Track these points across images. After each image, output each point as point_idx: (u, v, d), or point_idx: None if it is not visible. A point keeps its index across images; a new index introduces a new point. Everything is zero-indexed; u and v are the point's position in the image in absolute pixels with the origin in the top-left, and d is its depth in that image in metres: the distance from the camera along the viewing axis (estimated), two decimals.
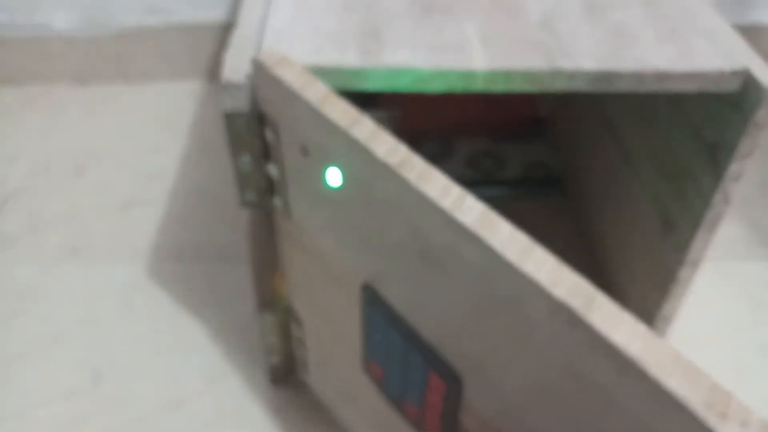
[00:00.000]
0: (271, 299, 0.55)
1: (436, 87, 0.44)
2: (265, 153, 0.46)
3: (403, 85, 0.44)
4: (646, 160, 0.60)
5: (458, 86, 0.44)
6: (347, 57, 0.44)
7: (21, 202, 0.81)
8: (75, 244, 0.76)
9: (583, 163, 0.76)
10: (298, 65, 0.40)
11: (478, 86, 0.44)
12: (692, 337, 0.68)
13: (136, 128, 0.94)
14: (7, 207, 0.81)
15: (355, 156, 0.35)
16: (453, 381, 0.36)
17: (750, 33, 1.00)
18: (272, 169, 0.46)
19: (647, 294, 0.59)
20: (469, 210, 0.30)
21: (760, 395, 0.63)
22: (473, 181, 0.82)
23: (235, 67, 0.43)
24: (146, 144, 0.91)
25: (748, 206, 0.83)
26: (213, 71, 1.04)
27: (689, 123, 0.52)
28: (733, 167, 0.47)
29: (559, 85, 0.44)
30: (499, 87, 0.44)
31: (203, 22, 0.98)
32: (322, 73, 0.43)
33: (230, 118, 0.43)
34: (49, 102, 0.99)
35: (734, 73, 0.44)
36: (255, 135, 0.44)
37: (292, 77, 0.39)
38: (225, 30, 1.00)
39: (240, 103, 0.43)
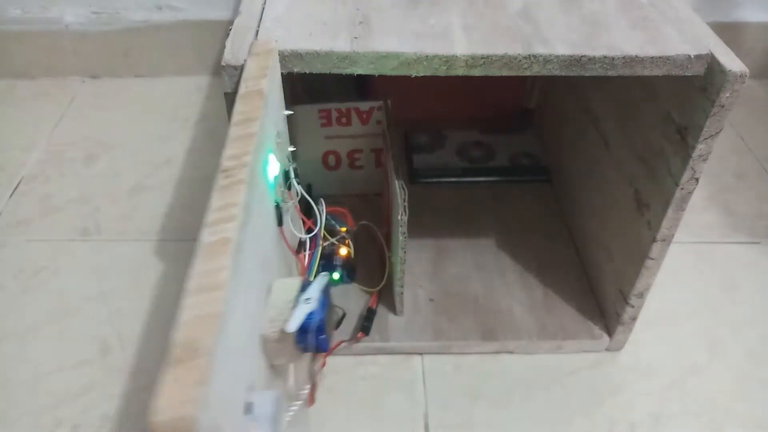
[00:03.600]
0: None
1: (420, 71, 0.48)
2: None
3: (390, 68, 0.48)
4: (623, 145, 0.63)
5: (440, 70, 0.48)
6: (338, 43, 0.47)
7: (35, 187, 0.85)
8: (85, 225, 0.80)
9: (567, 151, 0.80)
10: (275, 53, 0.44)
11: (459, 70, 0.48)
12: (670, 314, 0.71)
13: (145, 120, 0.98)
14: (21, 192, 0.85)
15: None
16: None
17: (733, 30, 1.03)
18: None
19: (623, 271, 0.62)
20: None
21: (732, 369, 0.66)
22: (464, 169, 0.86)
23: (235, 52, 0.47)
24: (154, 134, 0.95)
25: (726, 195, 0.87)
26: (218, 67, 1.08)
27: (661, 108, 0.56)
28: (700, 147, 0.50)
29: (535, 69, 0.48)
30: (478, 71, 0.48)
31: (209, 20, 1.02)
32: (314, 57, 0.47)
33: (229, 98, 0.47)
34: (61, 94, 1.03)
35: (699, 58, 0.47)
36: None
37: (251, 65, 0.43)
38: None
39: (237, 83, 0.46)
